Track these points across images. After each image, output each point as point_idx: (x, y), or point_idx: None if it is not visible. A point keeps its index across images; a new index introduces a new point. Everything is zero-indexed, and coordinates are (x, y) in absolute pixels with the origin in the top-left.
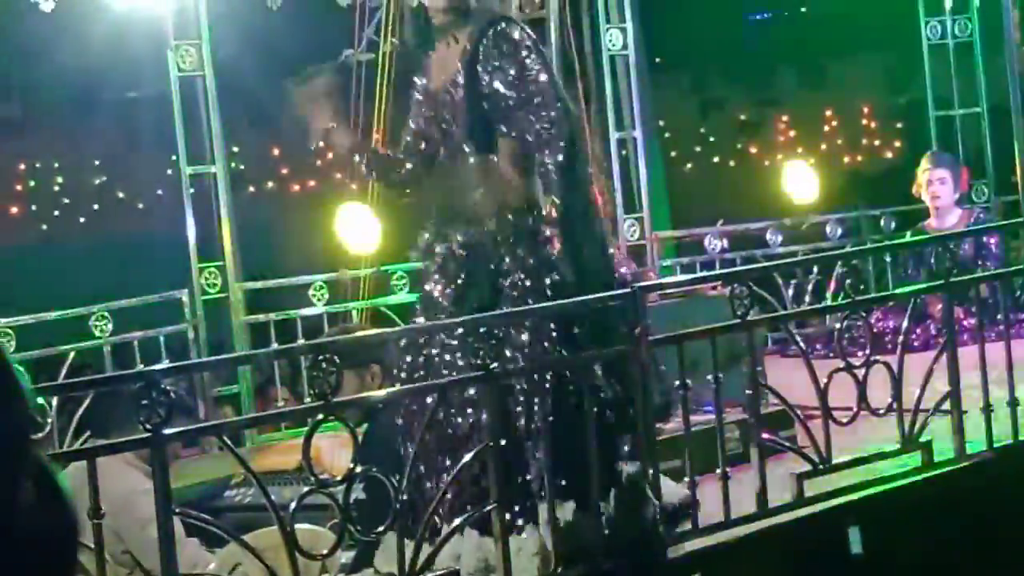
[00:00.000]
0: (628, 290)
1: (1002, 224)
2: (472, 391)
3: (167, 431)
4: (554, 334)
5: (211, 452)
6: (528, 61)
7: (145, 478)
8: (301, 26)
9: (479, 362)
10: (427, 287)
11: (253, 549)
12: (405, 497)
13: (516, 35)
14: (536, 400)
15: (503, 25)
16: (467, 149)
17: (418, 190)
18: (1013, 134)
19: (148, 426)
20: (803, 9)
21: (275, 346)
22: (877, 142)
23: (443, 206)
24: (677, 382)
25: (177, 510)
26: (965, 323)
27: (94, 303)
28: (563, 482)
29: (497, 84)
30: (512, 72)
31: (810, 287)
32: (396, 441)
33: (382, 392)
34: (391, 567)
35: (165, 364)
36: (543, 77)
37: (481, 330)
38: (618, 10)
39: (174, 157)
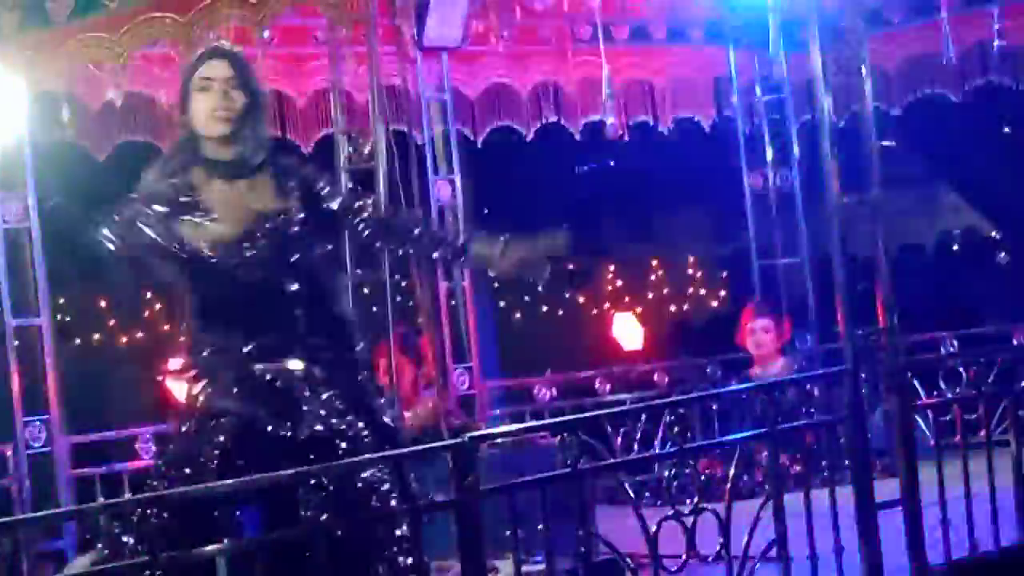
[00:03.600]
0: (459, 440)
1: (824, 372)
2: None
3: None
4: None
5: None
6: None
7: None
8: (130, 176)
9: None
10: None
11: None
12: None
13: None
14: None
15: None
16: None
17: None
18: (834, 283)
19: None
20: (628, 161)
21: (101, 501)
22: (703, 291)
23: None
24: (508, 532)
25: None
26: (791, 470)
27: None
28: None
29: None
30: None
31: (638, 435)
32: None
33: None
34: None
35: None
36: None
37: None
38: (446, 162)
39: None
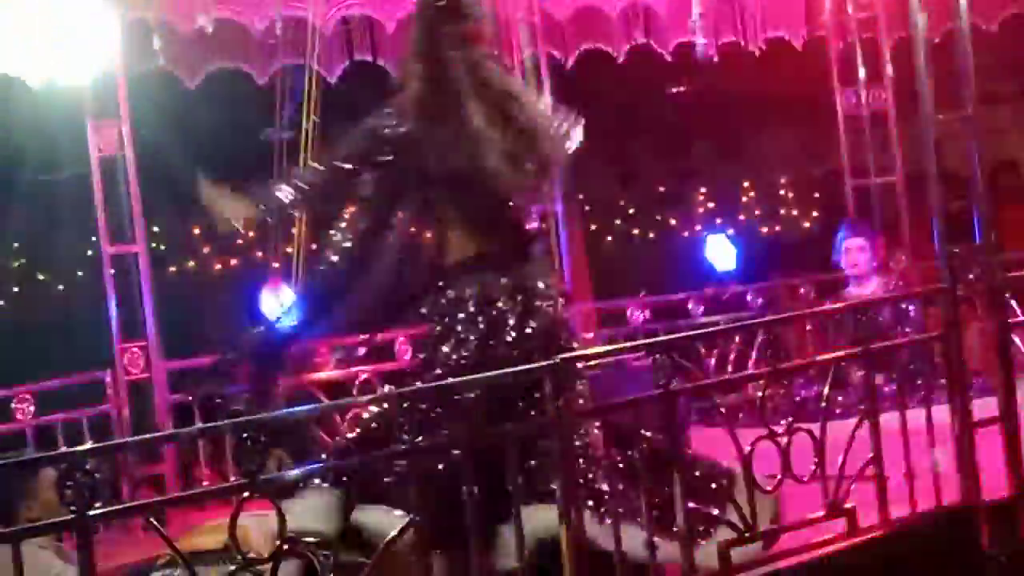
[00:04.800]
0: (553, 361)
1: (920, 291)
2: None
3: (92, 512)
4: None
5: (136, 533)
6: None
7: (56, 558)
8: (220, 105)
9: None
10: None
11: None
12: None
13: None
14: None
15: None
16: None
17: None
18: (929, 201)
19: (73, 508)
20: (719, 83)
21: (199, 425)
22: (795, 212)
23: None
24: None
25: None
26: (886, 389)
27: (16, 385)
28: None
29: None
30: None
31: (732, 356)
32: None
33: (308, 469)
34: None
35: (88, 445)
36: None
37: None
38: (536, 85)
39: (95, 238)
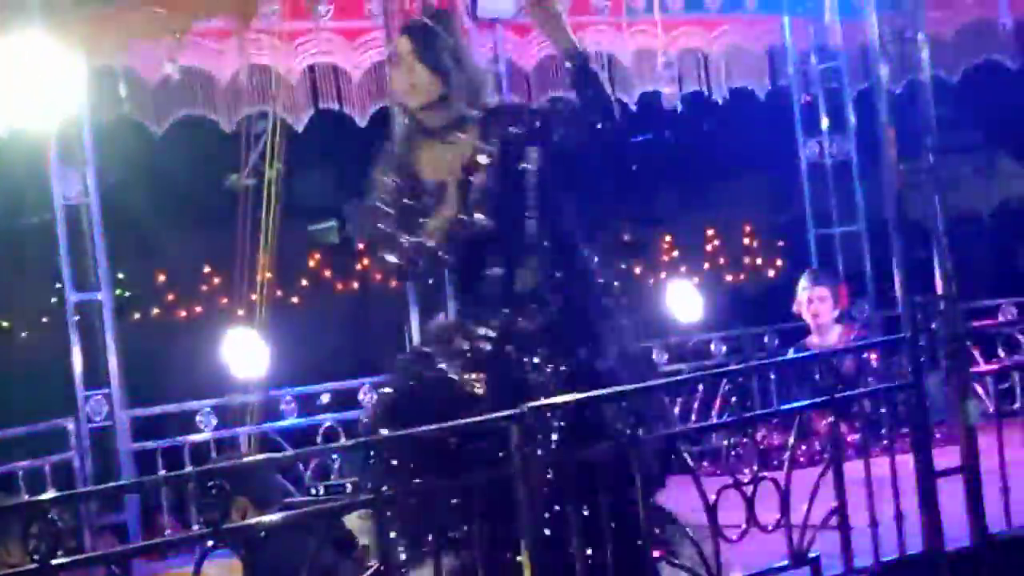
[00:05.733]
0: (518, 410)
1: (883, 340)
2: None
3: (55, 561)
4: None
5: None
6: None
7: None
8: (185, 152)
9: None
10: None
11: None
12: None
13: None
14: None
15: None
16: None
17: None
18: (891, 250)
19: (35, 557)
20: (683, 130)
21: (162, 473)
22: (759, 260)
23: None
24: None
25: None
26: (849, 438)
27: None
28: None
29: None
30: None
31: (696, 405)
32: (284, 568)
33: (271, 518)
34: None
35: (51, 494)
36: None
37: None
38: None
39: (59, 284)
